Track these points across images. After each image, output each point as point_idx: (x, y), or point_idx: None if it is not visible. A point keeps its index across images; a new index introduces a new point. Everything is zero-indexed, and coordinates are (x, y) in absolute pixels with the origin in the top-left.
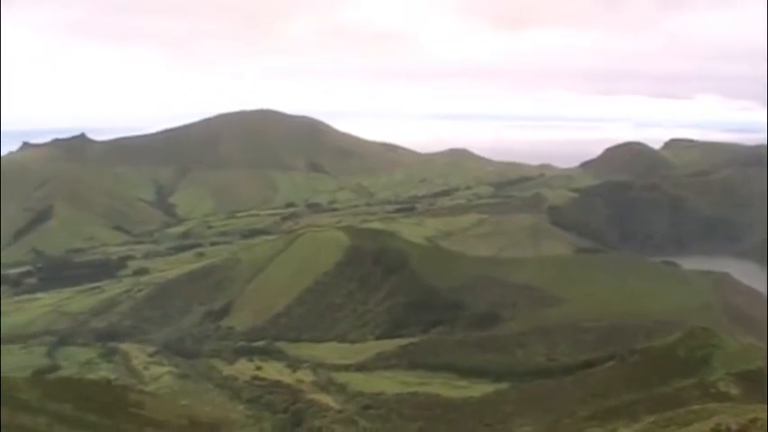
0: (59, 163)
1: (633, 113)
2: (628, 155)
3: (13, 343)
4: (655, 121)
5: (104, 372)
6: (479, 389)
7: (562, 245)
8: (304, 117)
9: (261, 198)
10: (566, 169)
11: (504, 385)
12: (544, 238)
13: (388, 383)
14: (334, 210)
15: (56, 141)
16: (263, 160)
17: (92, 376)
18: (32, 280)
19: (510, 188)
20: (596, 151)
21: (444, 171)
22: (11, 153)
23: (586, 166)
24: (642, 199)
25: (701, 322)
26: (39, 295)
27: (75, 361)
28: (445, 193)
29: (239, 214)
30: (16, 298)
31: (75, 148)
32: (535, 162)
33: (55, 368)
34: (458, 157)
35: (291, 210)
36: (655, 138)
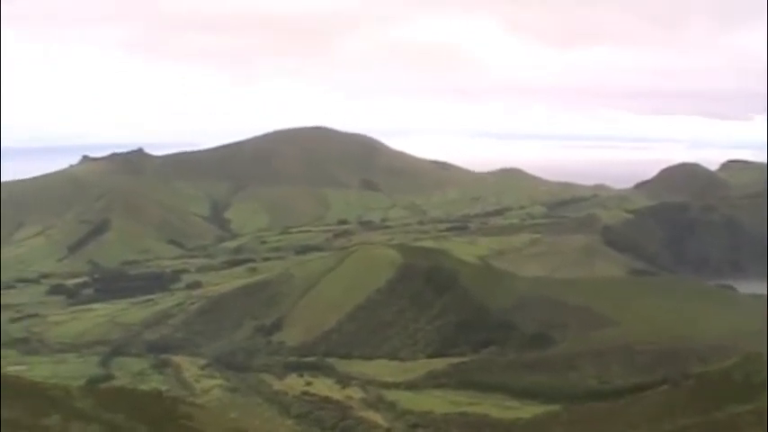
0: (117, 177)
1: (688, 134)
2: (683, 176)
3: (69, 352)
4: (710, 142)
5: (156, 383)
6: (530, 410)
7: (616, 266)
8: (358, 135)
9: (314, 215)
10: (620, 190)
11: (554, 407)
12: (598, 259)
13: (438, 402)
14: (387, 227)
15: (114, 156)
16: (316, 177)
17: (144, 387)
18: (89, 291)
19: (563, 208)
20: (651, 172)
21: (497, 190)
22: (71, 166)
23: (641, 187)
24: (698, 221)
25: (758, 347)
26: (94, 306)
27: (128, 371)
28: (498, 213)
29: (292, 230)
30: (72, 308)
31: (133, 162)
32: (589, 182)
33: (108, 378)
34: (511, 177)
35: (344, 227)
36: (710, 159)
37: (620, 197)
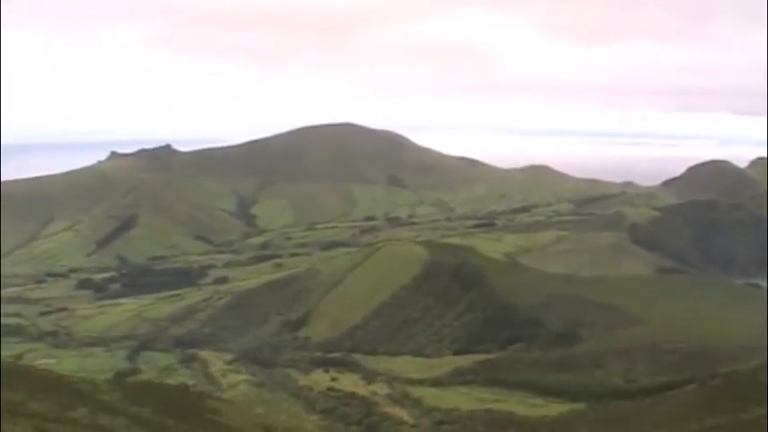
0: (145, 173)
1: (718, 131)
2: (712, 173)
3: (97, 346)
4: (740, 139)
5: (183, 377)
6: (555, 408)
7: (643, 264)
8: (385, 131)
9: (340, 211)
10: (648, 187)
11: (580, 405)
12: (625, 257)
13: (464, 399)
14: (413, 224)
15: (142, 152)
16: (343, 173)
17: (170, 381)
18: (116, 286)
19: (591, 205)
20: (680, 169)
21: (524, 187)
22: (99, 162)
23: (669, 184)
24: (726, 219)
25: None
26: (121, 301)
27: (155, 366)
28: (525, 210)
29: (319, 226)
30: (100, 302)
31: (161, 158)
32: (617, 179)
33: (135, 372)
34: (538, 174)
35: (371, 223)
36: (740, 156)
37: (648, 194)
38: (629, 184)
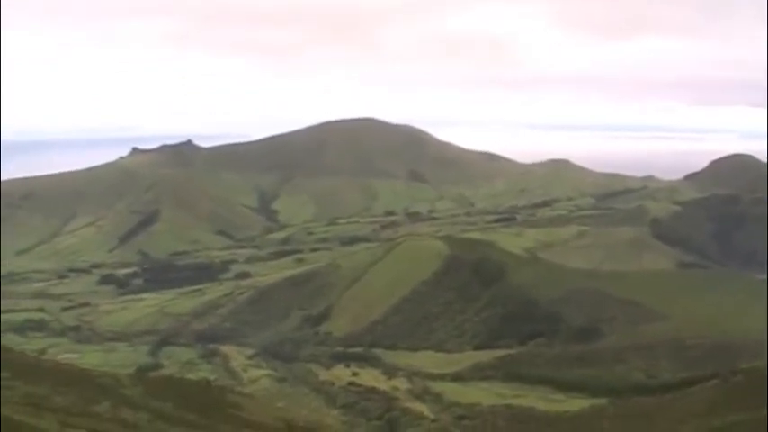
0: (167, 168)
1: (739, 124)
2: (734, 167)
3: (119, 341)
4: (761, 133)
5: (204, 372)
6: (576, 403)
7: (665, 259)
8: (405, 126)
9: (361, 206)
10: (670, 182)
11: (601, 401)
12: (646, 251)
13: (484, 394)
14: (434, 219)
15: (164, 147)
16: (364, 168)
17: (192, 376)
18: (138, 281)
19: (612, 200)
20: (701, 163)
21: (545, 181)
22: (121, 158)
23: (691, 178)
24: (749, 213)
25: None
26: (144, 296)
27: (177, 360)
28: (545, 204)
29: (340, 221)
30: (123, 298)
31: (182, 154)
32: (638, 174)
33: (157, 366)
34: (559, 168)
35: (391, 218)
36: (762, 149)
37: (670, 189)
38: (650, 178)
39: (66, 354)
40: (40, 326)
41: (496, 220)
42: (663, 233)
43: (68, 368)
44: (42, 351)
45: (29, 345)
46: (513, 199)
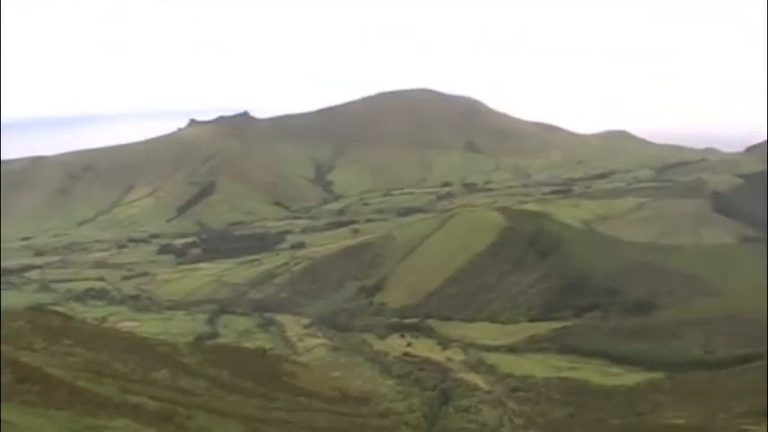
0: (224, 140)
1: None
2: None
3: (177, 309)
4: None
5: (261, 341)
6: (631, 377)
7: (724, 233)
8: (462, 97)
9: (417, 177)
10: (731, 154)
11: (657, 375)
12: (705, 225)
13: (539, 367)
14: (490, 190)
15: (221, 119)
16: (420, 139)
17: (249, 345)
18: (196, 251)
19: (671, 172)
20: (764, 135)
21: (602, 153)
22: (179, 130)
23: (752, 150)
24: None
25: None
26: (201, 265)
27: (234, 329)
28: (603, 176)
29: (395, 192)
30: (181, 267)
31: (239, 125)
32: (698, 146)
33: (215, 335)
34: (617, 139)
35: (447, 189)
36: None
37: (731, 161)
38: (710, 150)
39: (126, 322)
40: (100, 294)
41: (553, 192)
42: (723, 206)
43: (128, 336)
44: (103, 319)
45: (90, 313)
46: (570, 170)
